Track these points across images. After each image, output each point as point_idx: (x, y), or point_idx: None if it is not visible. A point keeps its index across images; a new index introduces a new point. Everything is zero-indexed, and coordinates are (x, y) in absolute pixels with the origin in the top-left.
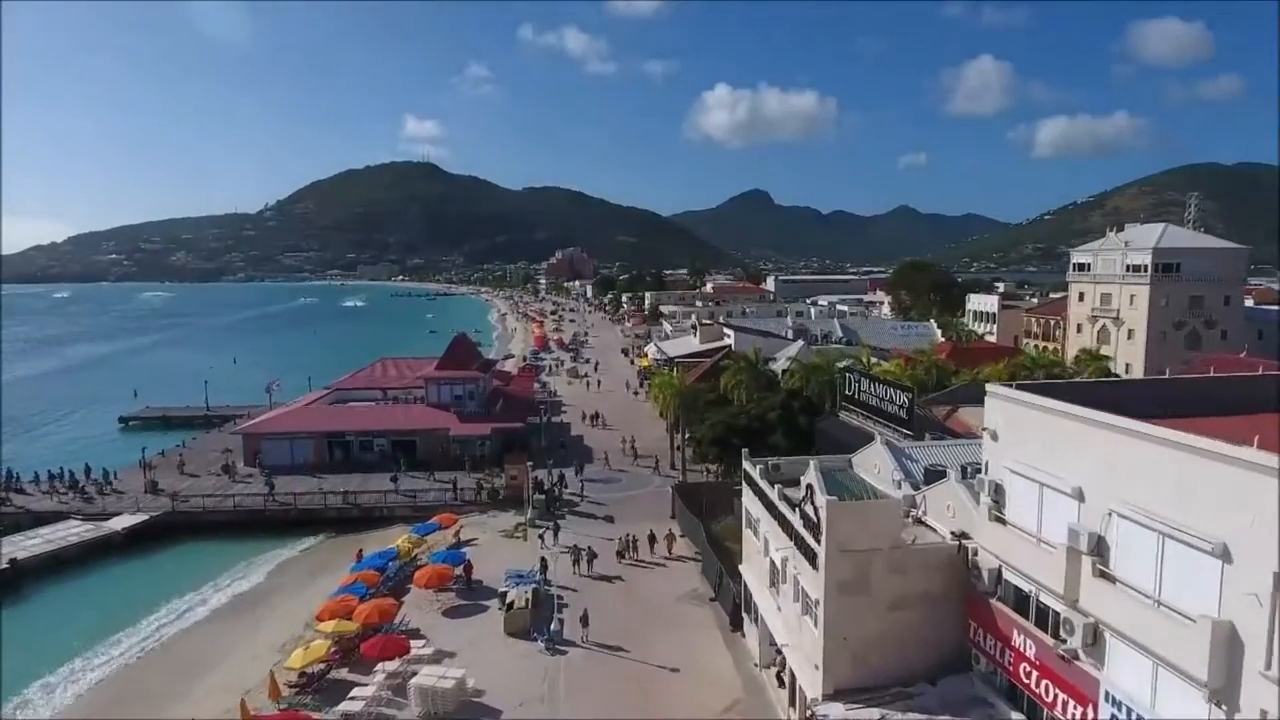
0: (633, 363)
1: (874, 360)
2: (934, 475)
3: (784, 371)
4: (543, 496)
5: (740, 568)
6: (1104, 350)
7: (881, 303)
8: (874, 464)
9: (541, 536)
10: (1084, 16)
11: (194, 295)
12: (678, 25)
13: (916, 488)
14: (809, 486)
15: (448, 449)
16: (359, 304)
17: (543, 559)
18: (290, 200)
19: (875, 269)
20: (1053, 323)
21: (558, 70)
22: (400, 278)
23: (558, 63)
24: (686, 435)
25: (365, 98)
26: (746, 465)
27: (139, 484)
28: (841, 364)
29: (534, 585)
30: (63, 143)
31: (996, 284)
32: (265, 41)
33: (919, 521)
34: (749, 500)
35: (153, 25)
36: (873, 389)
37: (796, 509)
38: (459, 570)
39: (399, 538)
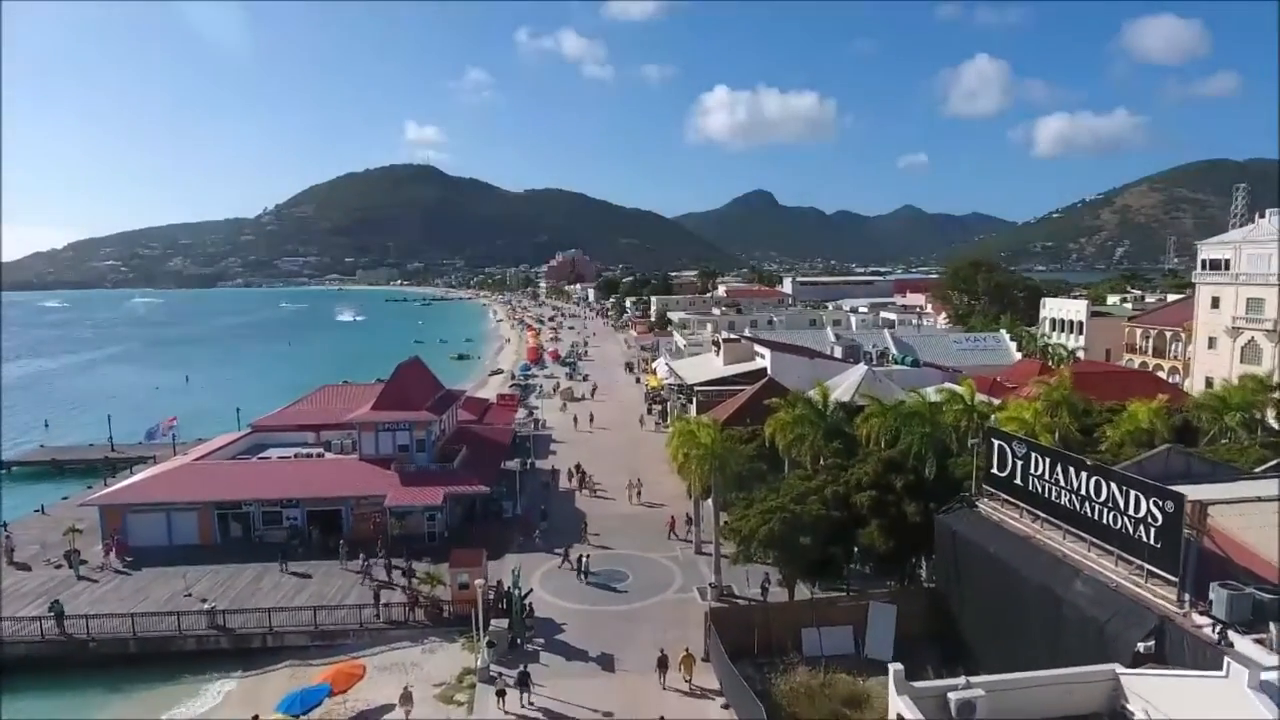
0: (638, 380)
1: (982, 397)
2: None
3: (854, 411)
4: (505, 623)
5: None
6: (1251, 371)
7: (921, 308)
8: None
9: (501, 693)
10: (1079, 15)
11: (184, 302)
12: (673, 28)
13: None
14: None
15: (384, 524)
16: (357, 318)
17: None
18: (289, 204)
19: (882, 269)
20: (1169, 335)
21: (556, 74)
22: (399, 282)
23: (556, 67)
24: (722, 516)
25: (365, 104)
26: (902, 707)
27: None
28: (935, 397)
29: None
30: (64, 149)
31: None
32: (264, 46)
33: None
34: None
35: (151, 29)
36: (1067, 479)
37: None
38: None
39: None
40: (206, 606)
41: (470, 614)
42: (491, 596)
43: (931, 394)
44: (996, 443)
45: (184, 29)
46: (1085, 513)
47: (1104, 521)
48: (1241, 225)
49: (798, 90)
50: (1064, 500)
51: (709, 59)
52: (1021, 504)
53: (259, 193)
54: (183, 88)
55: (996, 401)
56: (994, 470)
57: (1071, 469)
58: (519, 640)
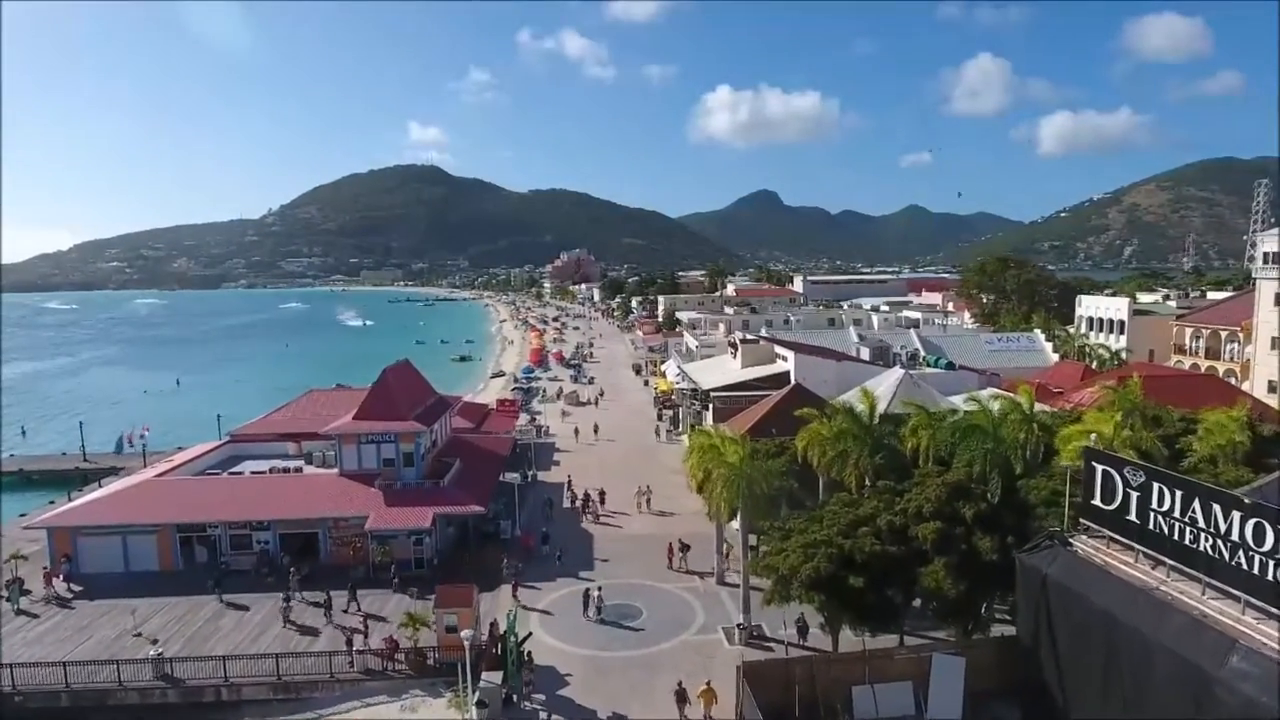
0: (646, 383)
1: (1041, 407)
2: None
3: (896, 421)
4: (497, 680)
5: None
6: None
7: (942, 307)
8: None
9: None
10: (1080, 13)
11: (185, 303)
12: (675, 28)
13: None
14: None
15: (365, 551)
16: (366, 322)
17: None
18: (293, 205)
19: (888, 269)
20: (1223, 335)
21: (558, 75)
22: (403, 283)
23: (558, 67)
24: (750, 543)
25: (368, 105)
26: None
27: None
28: (992, 405)
29: None
30: (68, 151)
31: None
32: (265, 48)
33: None
34: None
35: (154, 30)
36: (1209, 520)
37: None
38: None
39: None
40: (154, 652)
41: (459, 660)
42: (484, 641)
43: (989, 402)
44: (1100, 467)
45: (187, 30)
46: (1238, 564)
47: (1268, 578)
48: (1265, 220)
49: (800, 90)
50: (1203, 546)
51: (711, 59)
52: (1137, 546)
53: (263, 194)
54: (185, 89)
55: (1050, 409)
56: (1096, 501)
57: (1216, 507)
58: (514, 697)
